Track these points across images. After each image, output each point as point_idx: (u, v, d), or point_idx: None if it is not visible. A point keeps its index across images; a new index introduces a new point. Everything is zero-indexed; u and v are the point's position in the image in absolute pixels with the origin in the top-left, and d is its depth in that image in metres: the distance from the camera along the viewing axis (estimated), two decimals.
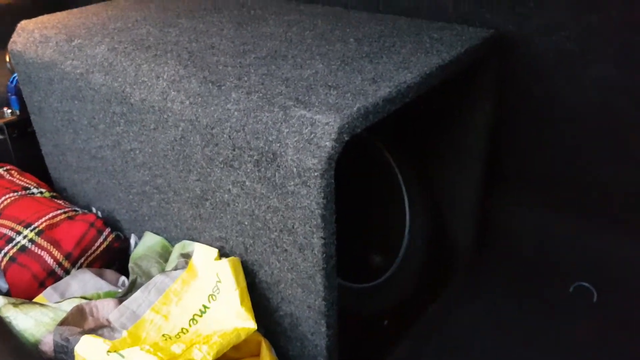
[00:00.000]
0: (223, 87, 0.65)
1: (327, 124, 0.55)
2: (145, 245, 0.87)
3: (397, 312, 0.90)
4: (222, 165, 0.65)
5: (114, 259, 0.94)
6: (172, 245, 0.84)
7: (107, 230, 0.92)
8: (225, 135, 0.62)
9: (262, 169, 0.60)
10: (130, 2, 1.04)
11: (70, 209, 0.96)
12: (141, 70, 0.73)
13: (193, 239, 0.79)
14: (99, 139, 0.85)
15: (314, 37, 0.80)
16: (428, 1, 0.87)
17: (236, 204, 0.66)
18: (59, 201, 0.99)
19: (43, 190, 1.02)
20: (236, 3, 1.01)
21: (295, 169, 0.56)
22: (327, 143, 0.54)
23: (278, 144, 0.57)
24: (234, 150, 0.62)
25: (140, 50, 0.77)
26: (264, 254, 0.67)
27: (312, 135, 0.56)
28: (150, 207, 0.84)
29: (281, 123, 0.58)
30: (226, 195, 0.67)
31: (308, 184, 0.56)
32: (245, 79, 0.66)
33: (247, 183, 0.63)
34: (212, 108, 0.64)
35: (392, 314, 0.90)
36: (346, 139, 0.56)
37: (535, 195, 0.97)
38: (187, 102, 0.66)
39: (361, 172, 0.91)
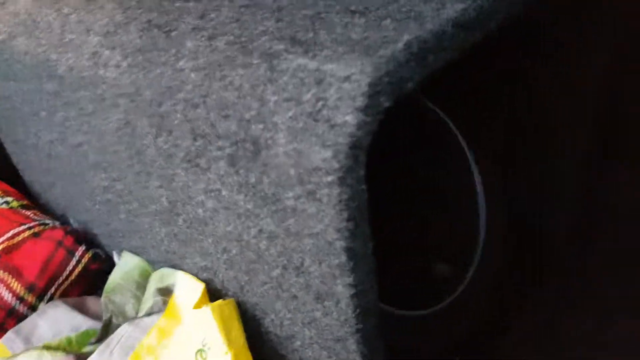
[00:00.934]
0: (174, 33, 0.39)
1: (347, 77, 0.28)
2: (122, 270, 0.64)
3: (471, 346, 0.63)
4: (185, 165, 0.39)
5: (97, 283, 0.73)
6: (154, 271, 0.61)
7: (81, 249, 0.70)
8: (178, 115, 0.36)
9: (241, 170, 0.34)
10: None
11: (37, 222, 0.74)
12: (68, 24, 0.48)
13: (175, 266, 0.55)
14: (46, 131, 0.62)
15: None
16: None
17: (216, 223, 0.41)
18: (28, 212, 0.78)
19: (10, 199, 0.81)
20: None
21: (292, 170, 0.30)
22: (349, 117, 0.28)
23: (261, 125, 0.31)
24: (195, 139, 0.36)
25: None
26: (265, 296, 0.42)
27: (321, 105, 0.29)
28: (120, 220, 0.60)
29: (264, 85, 0.32)
30: (200, 210, 0.42)
31: (317, 196, 0.29)
32: (212, 15, 0.39)
33: (223, 192, 0.37)
34: (157, 70, 0.38)
35: (465, 348, 0.63)
36: (385, 104, 0.29)
37: None
38: (125, 64, 0.41)
39: (409, 146, 0.63)
